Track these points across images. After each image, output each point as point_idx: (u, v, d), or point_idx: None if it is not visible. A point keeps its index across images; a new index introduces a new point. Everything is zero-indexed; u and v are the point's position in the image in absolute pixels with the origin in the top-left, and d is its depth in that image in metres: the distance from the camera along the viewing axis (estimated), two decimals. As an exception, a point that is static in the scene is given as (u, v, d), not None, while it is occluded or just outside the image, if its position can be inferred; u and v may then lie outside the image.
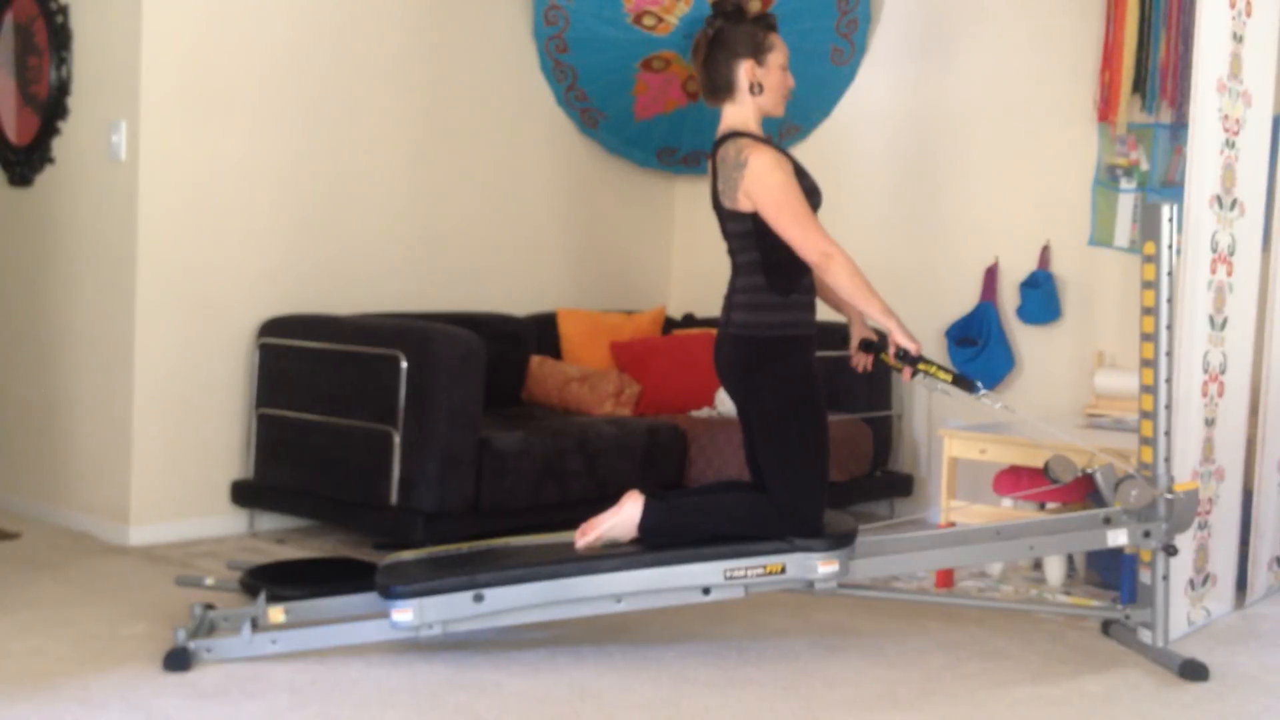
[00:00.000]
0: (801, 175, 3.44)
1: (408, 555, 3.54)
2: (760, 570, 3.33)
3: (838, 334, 5.36)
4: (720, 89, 3.47)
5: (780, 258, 3.39)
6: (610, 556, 3.33)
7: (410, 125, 5.29)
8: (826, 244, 3.32)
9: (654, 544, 3.38)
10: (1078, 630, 3.80)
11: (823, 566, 3.35)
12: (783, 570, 3.34)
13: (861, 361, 3.59)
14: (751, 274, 3.40)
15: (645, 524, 3.39)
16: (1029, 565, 4.59)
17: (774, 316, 3.39)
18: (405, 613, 3.24)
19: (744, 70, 3.43)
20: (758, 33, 3.45)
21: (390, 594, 3.26)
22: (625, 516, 3.40)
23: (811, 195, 3.45)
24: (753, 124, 3.47)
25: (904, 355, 3.38)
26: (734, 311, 3.44)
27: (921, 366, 3.37)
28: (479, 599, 3.25)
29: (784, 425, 3.39)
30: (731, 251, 3.49)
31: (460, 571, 3.30)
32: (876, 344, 3.57)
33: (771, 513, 3.38)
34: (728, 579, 3.32)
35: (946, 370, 3.40)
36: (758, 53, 3.44)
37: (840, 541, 3.39)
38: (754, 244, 3.39)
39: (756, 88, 3.45)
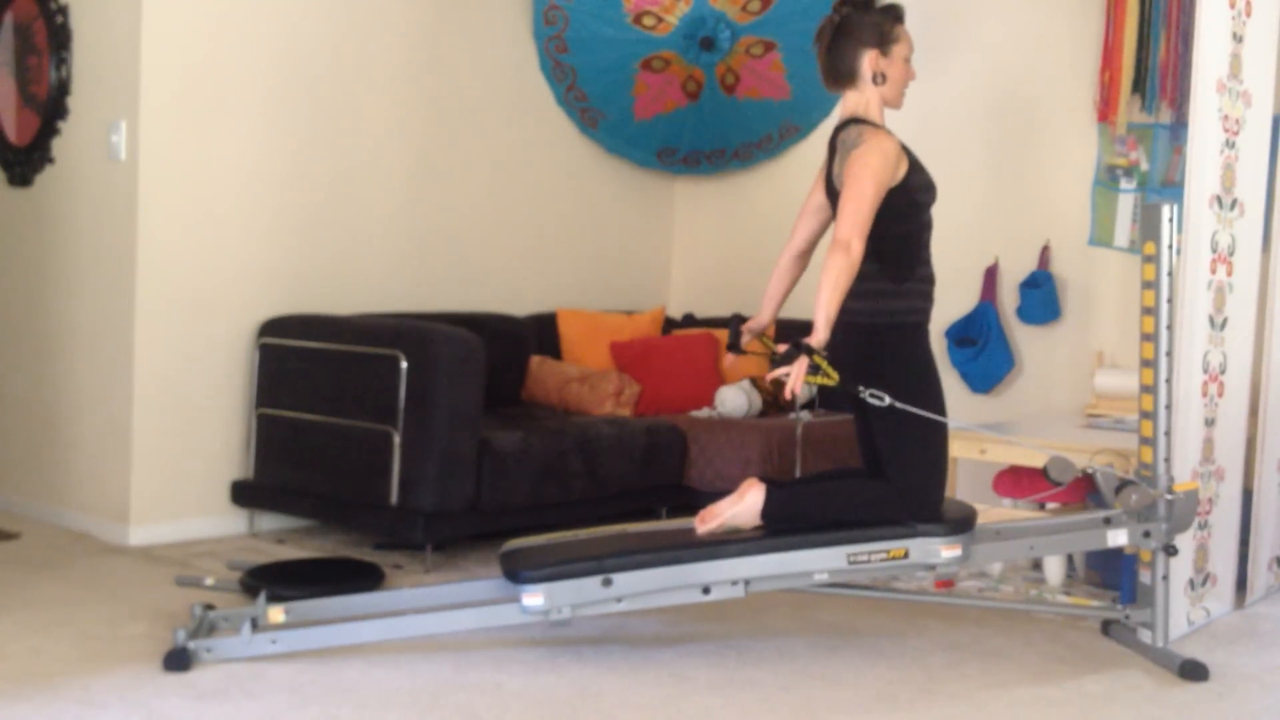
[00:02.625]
0: (918, 170, 3.44)
1: (524, 541, 3.55)
2: (884, 555, 3.34)
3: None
4: (842, 76, 3.48)
5: (894, 245, 3.38)
6: (734, 541, 3.35)
7: (410, 125, 5.29)
8: (857, 239, 3.27)
9: (775, 530, 3.39)
10: (1078, 630, 3.80)
11: (945, 551, 3.36)
12: (905, 555, 3.35)
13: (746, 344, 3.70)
14: (865, 261, 3.34)
15: (768, 510, 3.41)
16: (1029, 565, 4.59)
17: (888, 304, 3.39)
18: (536, 597, 3.25)
19: (868, 59, 3.44)
20: (884, 23, 3.45)
21: (519, 579, 3.27)
22: (748, 504, 3.42)
23: (928, 190, 3.46)
24: (874, 111, 3.47)
25: (798, 345, 3.20)
26: (848, 299, 3.37)
27: (816, 359, 3.19)
28: (608, 583, 3.26)
29: (902, 412, 3.35)
30: None
31: (587, 556, 3.31)
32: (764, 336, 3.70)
33: (891, 498, 3.38)
34: (851, 564, 3.34)
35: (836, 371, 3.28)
36: (883, 43, 3.45)
37: (961, 526, 3.40)
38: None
39: (880, 77, 3.45)
